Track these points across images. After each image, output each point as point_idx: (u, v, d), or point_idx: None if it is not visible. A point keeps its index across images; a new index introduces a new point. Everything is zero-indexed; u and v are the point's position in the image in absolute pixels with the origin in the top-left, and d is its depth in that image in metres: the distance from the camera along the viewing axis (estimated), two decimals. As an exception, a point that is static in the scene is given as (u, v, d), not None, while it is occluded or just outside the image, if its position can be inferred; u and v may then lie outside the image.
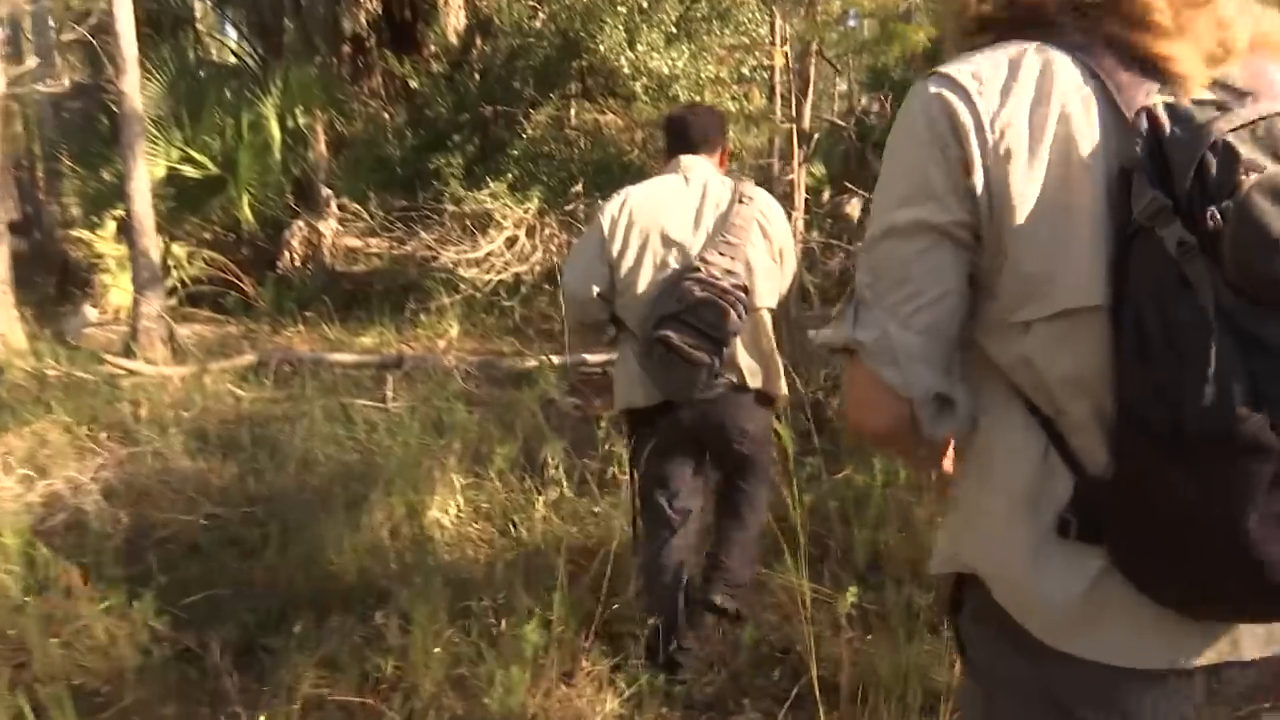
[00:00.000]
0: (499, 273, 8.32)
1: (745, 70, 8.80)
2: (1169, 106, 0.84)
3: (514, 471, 3.90)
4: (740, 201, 2.53)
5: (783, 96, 6.15)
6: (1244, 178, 0.77)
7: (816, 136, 7.30)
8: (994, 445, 0.96)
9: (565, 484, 3.78)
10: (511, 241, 8.45)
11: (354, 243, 9.40)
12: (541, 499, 3.66)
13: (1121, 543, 0.87)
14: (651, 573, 2.69)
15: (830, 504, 3.60)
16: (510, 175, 8.75)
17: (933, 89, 0.92)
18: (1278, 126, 0.79)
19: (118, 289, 7.75)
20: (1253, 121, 0.80)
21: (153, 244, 6.18)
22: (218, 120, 9.37)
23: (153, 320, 6.02)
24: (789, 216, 6.74)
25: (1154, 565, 0.85)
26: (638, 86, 8.55)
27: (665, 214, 2.55)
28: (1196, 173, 0.79)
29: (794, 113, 6.15)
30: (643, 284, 2.51)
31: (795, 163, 6.30)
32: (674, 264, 2.49)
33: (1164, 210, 0.80)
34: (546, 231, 8.86)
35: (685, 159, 2.65)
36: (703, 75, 8.49)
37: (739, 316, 2.41)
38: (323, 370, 6.50)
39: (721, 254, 2.44)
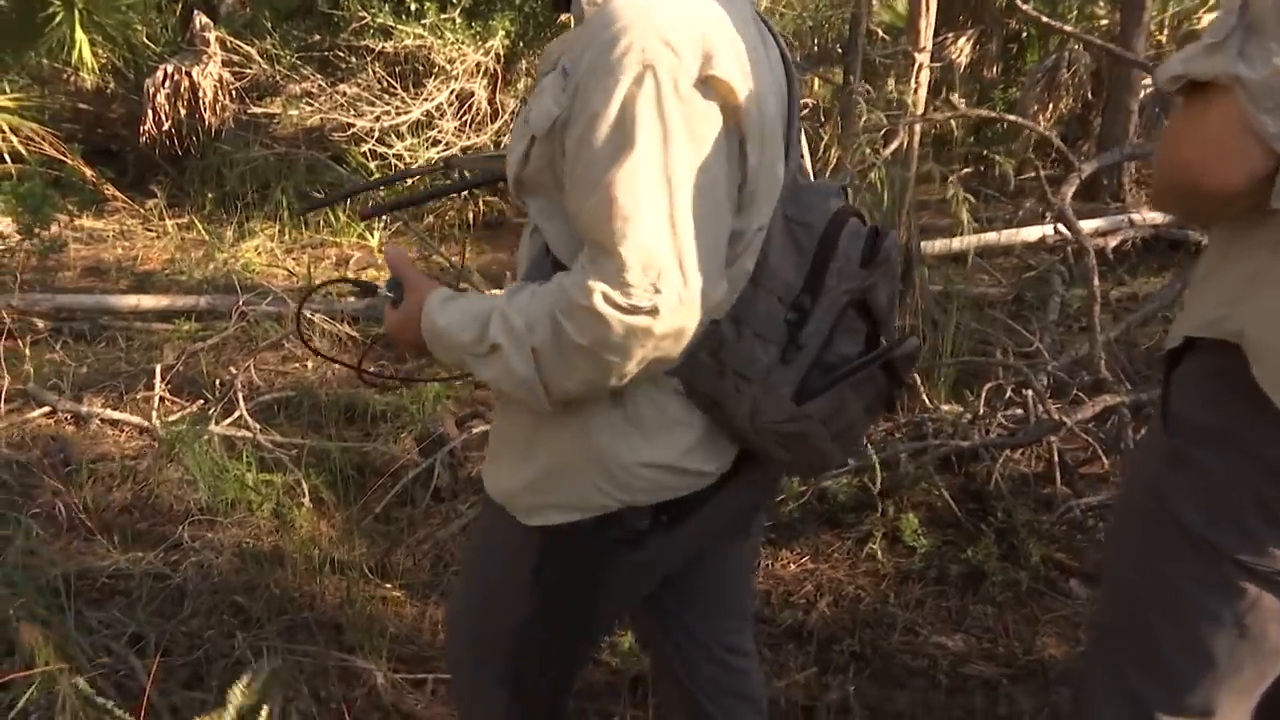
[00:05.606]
0: (444, 147, 5.56)
1: None
2: None
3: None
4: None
5: None
6: None
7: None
8: None
9: None
10: (463, 98, 5.62)
11: (254, 98, 6.60)
12: None
13: None
14: None
15: None
16: (466, -3, 5.83)
17: None
18: None
19: None
20: None
21: None
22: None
23: None
24: (911, 74, 3.82)
25: None
26: None
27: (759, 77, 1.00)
28: None
29: None
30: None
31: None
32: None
33: None
34: (520, 85, 5.99)
35: None
36: None
37: None
38: (109, 322, 3.94)
39: None
